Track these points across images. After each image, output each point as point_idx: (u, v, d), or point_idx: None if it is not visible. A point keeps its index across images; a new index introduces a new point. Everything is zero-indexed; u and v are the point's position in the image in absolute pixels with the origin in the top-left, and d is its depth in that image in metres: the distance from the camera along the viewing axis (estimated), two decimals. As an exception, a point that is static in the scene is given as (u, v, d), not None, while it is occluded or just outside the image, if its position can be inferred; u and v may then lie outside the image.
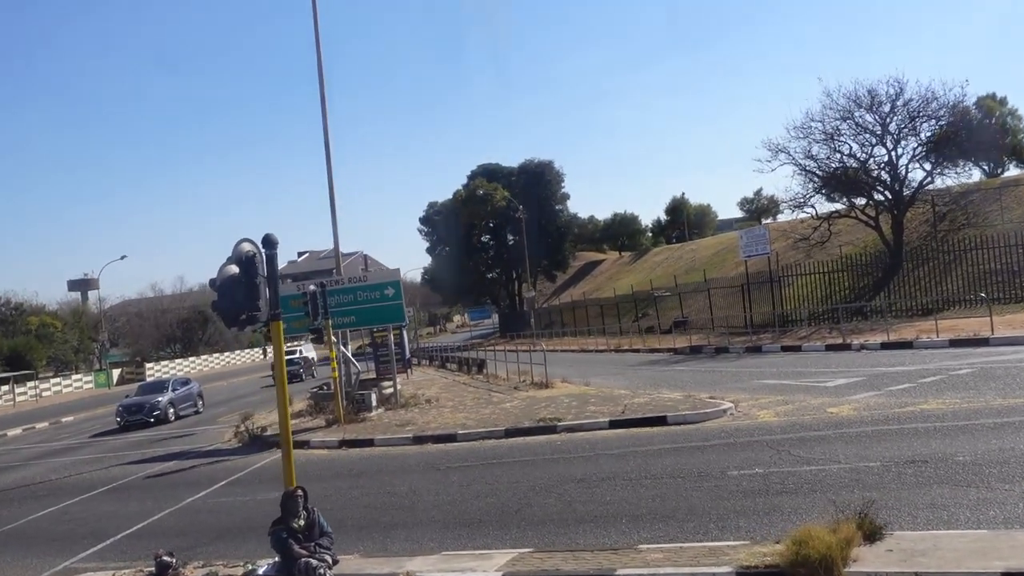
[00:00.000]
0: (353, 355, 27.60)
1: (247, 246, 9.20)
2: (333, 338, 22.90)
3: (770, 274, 39.98)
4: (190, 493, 15.77)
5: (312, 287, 21.44)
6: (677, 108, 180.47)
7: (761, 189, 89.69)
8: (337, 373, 23.01)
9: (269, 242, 9.13)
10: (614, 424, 17.12)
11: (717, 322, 41.63)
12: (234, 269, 9.07)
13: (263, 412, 29.91)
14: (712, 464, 12.49)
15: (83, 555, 11.99)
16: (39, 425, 40.75)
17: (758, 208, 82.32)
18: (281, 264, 10.12)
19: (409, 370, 39.56)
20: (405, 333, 41.22)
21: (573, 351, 47.75)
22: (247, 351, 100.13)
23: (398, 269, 25.83)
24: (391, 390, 25.86)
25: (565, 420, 18.04)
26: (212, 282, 9.25)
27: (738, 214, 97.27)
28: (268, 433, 22.74)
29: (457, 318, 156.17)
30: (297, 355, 49.38)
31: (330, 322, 22.55)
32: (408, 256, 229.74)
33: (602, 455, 14.34)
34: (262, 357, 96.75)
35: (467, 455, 16.22)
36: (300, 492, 9.03)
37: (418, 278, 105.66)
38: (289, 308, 20.75)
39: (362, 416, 23.01)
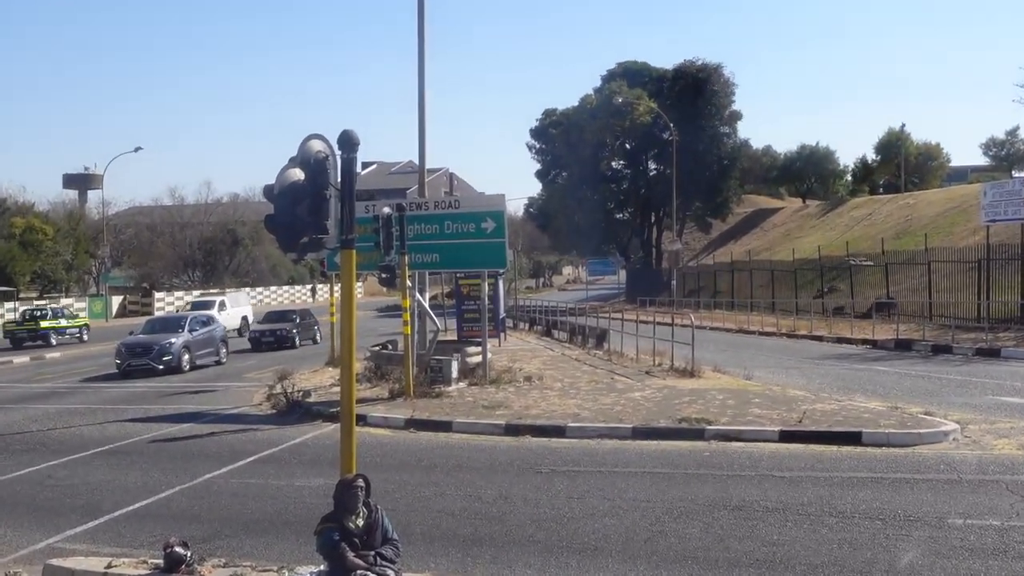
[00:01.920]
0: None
1: (318, 145, 9.25)
2: (408, 282, 23.16)
3: (1022, 248, 38.42)
4: (208, 468, 16.30)
5: (387, 209, 21.63)
6: (900, 6, 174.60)
7: (1020, 128, 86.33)
8: (409, 329, 23.31)
9: (348, 142, 9.15)
10: (786, 436, 16.89)
11: (937, 309, 40.49)
12: (298, 175, 9.15)
13: (304, 370, 30.81)
14: (925, 506, 12.15)
15: (70, 533, 12.53)
16: (17, 359, 42.95)
17: (1011, 155, 79.31)
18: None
19: (502, 334, 39.89)
20: (502, 284, 41.53)
21: (728, 330, 47.27)
22: (285, 288, 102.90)
23: (502, 195, 25.87)
24: (478, 359, 26.09)
25: (717, 423, 17.90)
26: (267, 190, 9.37)
27: (979, 160, 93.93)
28: (312, 400, 23.30)
29: (569, 270, 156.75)
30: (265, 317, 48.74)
31: (407, 259, 22.78)
32: (509, 180, 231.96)
33: (768, 476, 14.14)
34: (309, 297, 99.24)
35: (579, 457, 16.24)
36: (361, 483, 9.13)
37: (520, 211, 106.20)
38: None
39: (437, 390, 23.32)
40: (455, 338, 35.20)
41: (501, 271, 35.71)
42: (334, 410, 20.16)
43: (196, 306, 52.67)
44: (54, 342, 51.69)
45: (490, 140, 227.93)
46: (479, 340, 27.39)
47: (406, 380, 23.12)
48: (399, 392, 23.18)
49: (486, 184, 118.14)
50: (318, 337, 46.67)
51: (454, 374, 24.53)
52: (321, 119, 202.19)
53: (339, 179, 9.22)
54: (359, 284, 52.82)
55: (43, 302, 66.37)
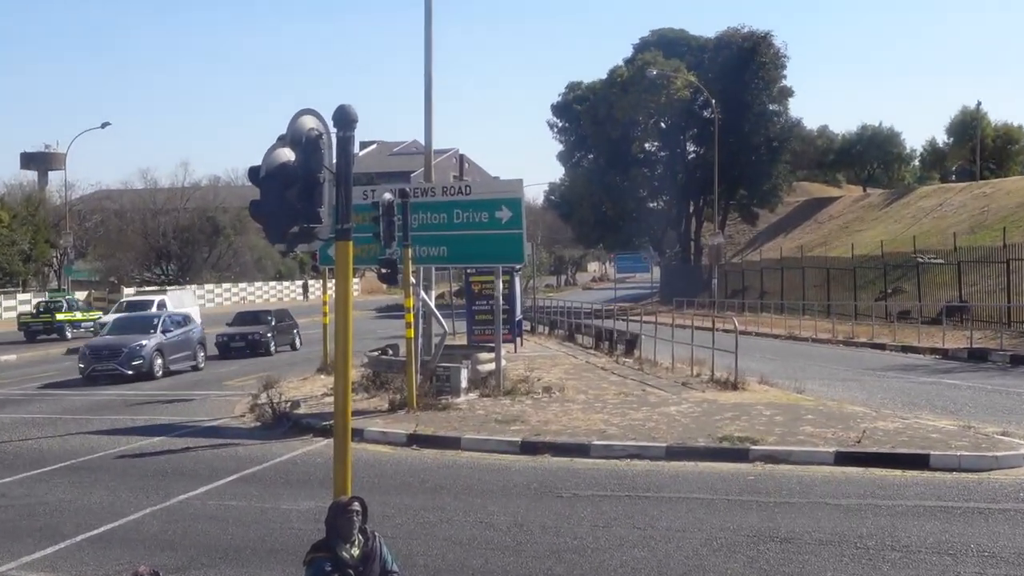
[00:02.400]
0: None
1: (310, 121, 9.25)
2: (412, 279, 23.17)
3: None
4: (183, 488, 16.32)
5: (388, 195, 21.65)
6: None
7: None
8: (412, 332, 23.32)
9: (345, 118, 9.14)
10: (843, 458, 16.82)
11: (1017, 314, 40.32)
12: (288, 155, 9.14)
13: (292, 378, 30.87)
14: (1002, 540, 12.10)
15: (27, 559, 12.57)
16: (-33, 362, 43.10)
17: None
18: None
19: (519, 339, 39.89)
20: (518, 282, 41.53)
21: (777, 337, 47.18)
22: (272, 284, 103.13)
23: (520, 180, 25.84)
24: (491, 367, 26.09)
25: (763, 443, 17.84)
26: (253, 172, 9.37)
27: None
28: (302, 411, 23.33)
29: (595, 266, 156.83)
30: (249, 321, 46.14)
31: (410, 252, 22.78)
32: (527, 163, 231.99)
33: (821, 504, 14.10)
34: (301, 295, 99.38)
35: (605, 479, 16.23)
36: (356, 506, 9.11)
37: (540, 199, 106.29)
38: (350, 225, 21.09)
39: (444, 401, 23.34)
40: (464, 343, 35.19)
41: (518, 267, 35.73)
42: (327, 423, 20.21)
43: (130, 307, 50.08)
44: (69, 335, 54.16)
45: (506, 118, 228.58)
46: (492, 345, 27.36)
47: (408, 390, 23.12)
48: (400, 404, 23.18)
49: (501, 168, 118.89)
50: (297, 342, 46.42)
51: (463, 384, 24.52)
52: (314, 93, 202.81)
53: (334, 160, 9.22)
54: (356, 280, 52.78)
55: (56, 294, 68.86)
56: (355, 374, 26.62)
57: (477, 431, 20.14)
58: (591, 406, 23.11)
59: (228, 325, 44.73)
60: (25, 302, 69.30)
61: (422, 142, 28.59)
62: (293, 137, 9.17)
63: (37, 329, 55.03)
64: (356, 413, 22.18)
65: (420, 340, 25.13)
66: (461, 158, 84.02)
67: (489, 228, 24.55)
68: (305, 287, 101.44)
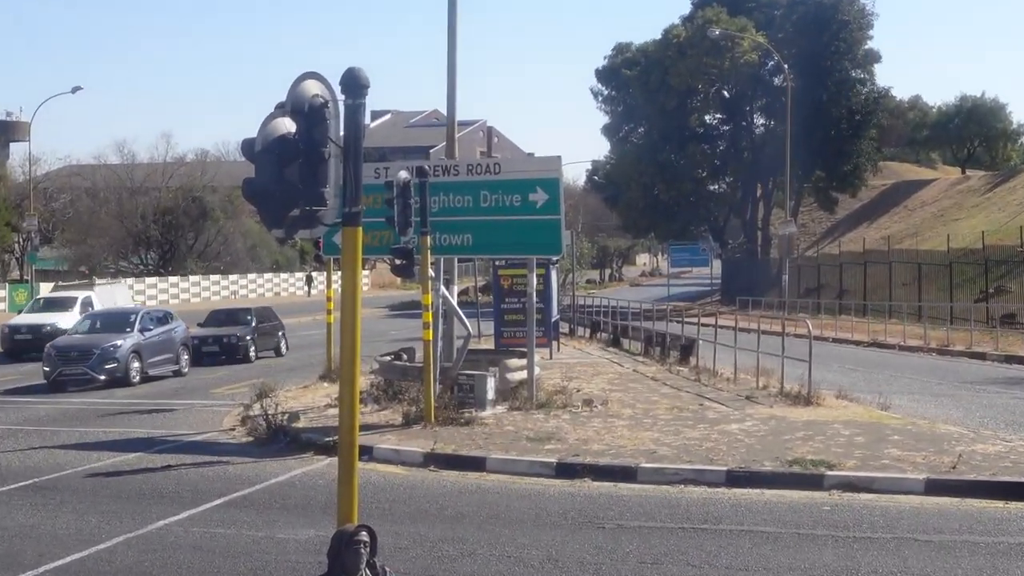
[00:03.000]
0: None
1: (314, 87, 9.29)
2: (431, 272, 23.19)
3: None
4: (163, 512, 16.38)
5: (403, 173, 21.66)
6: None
7: None
8: (431, 334, 23.33)
9: (354, 84, 9.18)
10: (935, 486, 16.74)
11: None
12: (287, 126, 9.17)
13: (290, 386, 30.97)
14: (1123, 585, 12.02)
15: (-19, 594, 12.67)
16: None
17: None
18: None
19: (555, 343, 39.88)
20: (555, 276, 41.51)
21: (858, 343, 47.06)
22: (268, 276, 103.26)
23: (558, 158, 25.79)
24: (522, 375, 26.09)
25: (841, 468, 17.78)
26: (247, 146, 9.41)
27: None
28: (301, 425, 23.39)
29: (644, 259, 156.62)
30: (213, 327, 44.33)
31: (429, 241, 22.78)
32: (567, 138, 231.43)
33: (908, 540, 14.06)
34: (304, 289, 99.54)
35: (654, 508, 16.22)
36: (364, 536, 9.15)
37: (581, 179, 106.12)
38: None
39: (467, 415, 23.34)
40: (491, 347, 35.20)
41: (555, 259, 35.64)
42: (330, 439, 20.26)
43: (47, 305, 48.16)
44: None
45: (542, 85, 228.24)
46: (523, 350, 27.39)
47: (426, 401, 23.12)
48: (416, 417, 23.19)
49: (536, 144, 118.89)
50: (283, 346, 45.87)
51: (490, 395, 24.51)
52: (319, 55, 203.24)
53: (341, 132, 9.25)
54: (365, 273, 52.83)
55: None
56: (364, 382, 26.70)
57: (505, 450, 20.13)
58: (639, 422, 23.09)
59: (200, 326, 43.43)
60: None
61: (443, 112, 28.64)
62: (294, 105, 9.20)
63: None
64: (364, 428, 22.27)
65: (440, 343, 25.13)
66: (489, 131, 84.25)
67: (522, 213, 24.54)
68: (309, 280, 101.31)
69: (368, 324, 55.22)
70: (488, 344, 36.75)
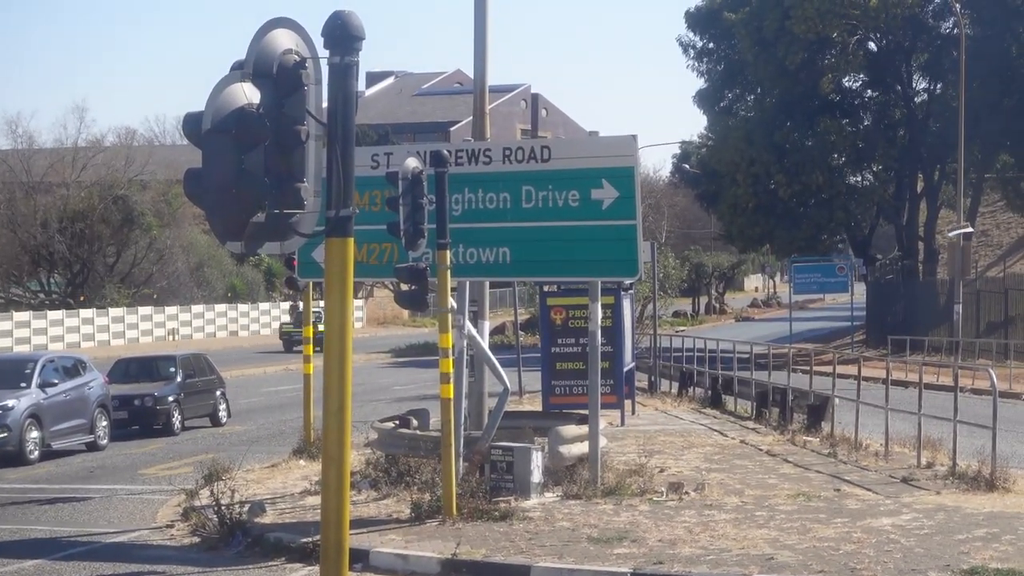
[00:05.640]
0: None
1: (285, 39, 9.31)
2: (452, 301, 23.25)
3: None
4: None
5: (413, 161, 21.75)
6: None
7: None
8: (452, 390, 23.35)
9: (342, 34, 9.23)
10: None
11: None
12: (249, 95, 9.21)
13: (253, 464, 31.01)
14: None
15: None
16: None
17: None
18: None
19: (629, 401, 39.87)
20: (629, 307, 41.51)
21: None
22: (222, 308, 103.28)
23: (633, 137, 25.81)
24: (583, 448, 26.10)
25: (1040, 581, 17.68)
26: (190, 123, 9.44)
27: None
28: (268, 520, 23.41)
29: (755, 282, 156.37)
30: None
31: (450, 257, 22.84)
32: (645, 112, 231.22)
33: None
34: (289, 321, 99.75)
35: (772, 639, 16.16)
36: None
37: (665, 168, 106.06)
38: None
39: (504, 506, 23.38)
40: (538, 408, 35.23)
41: (629, 282, 35.69)
42: (309, 540, 20.27)
43: None
44: None
45: (608, 34, 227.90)
46: (584, 412, 27.33)
47: (445, 487, 23.12)
48: (431, 509, 23.19)
49: (600, 118, 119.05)
50: (222, 412, 45.03)
51: (536, 476, 24.54)
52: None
53: (324, 104, 9.31)
54: (359, 303, 52.77)
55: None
56: (357, 459, 26.76)
57: (559, 556, 20.07)
58: (749, 516, 23.02)
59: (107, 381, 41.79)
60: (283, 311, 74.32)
61: (469, 74, 28.71)
62: (258, 65, 9.22)
63: (299, 339, 58.21)
64: (358, 523, 22.33)
65: (464, 403, 25.18)
66: (535, 100, 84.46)
67: (580, 218, 24.62)
68: (296, 314, 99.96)
69: (363, 375, 55.65)
70: (534, 404, 36.80)
